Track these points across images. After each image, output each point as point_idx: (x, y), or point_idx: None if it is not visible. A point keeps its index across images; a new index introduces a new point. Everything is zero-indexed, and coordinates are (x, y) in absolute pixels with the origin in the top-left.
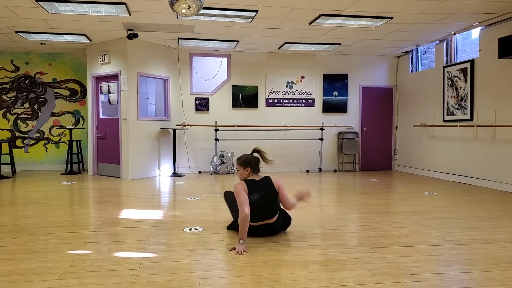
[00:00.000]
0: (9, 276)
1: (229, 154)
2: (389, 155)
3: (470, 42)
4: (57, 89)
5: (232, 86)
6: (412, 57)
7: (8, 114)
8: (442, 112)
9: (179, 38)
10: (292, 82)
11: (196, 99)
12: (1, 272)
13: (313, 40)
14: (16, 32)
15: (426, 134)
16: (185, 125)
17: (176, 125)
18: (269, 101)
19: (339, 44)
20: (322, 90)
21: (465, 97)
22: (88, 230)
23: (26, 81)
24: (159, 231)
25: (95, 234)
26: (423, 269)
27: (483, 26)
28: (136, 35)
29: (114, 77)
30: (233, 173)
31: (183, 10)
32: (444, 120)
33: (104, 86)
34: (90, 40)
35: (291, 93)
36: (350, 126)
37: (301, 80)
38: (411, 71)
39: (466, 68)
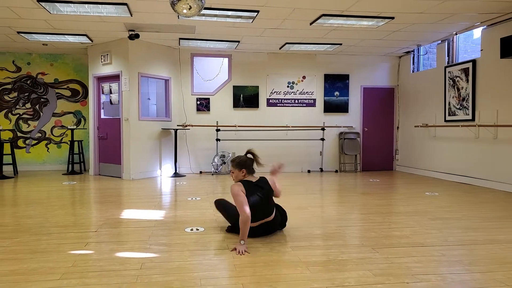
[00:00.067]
0: (11, 276)
1: (230, 154)
2: (390, 155)
3: (472, 42)
4: (59, 90)
5: (233, 86)
6: (413, 57)
7: (10, 115)
8: (443, 112)
9: (180, 39)
10: (293, 82)
11: (197, 99)
12: (3, 272)
13: (314, 40)
14: (18, 32)
15: (427, 134)
16: (186, 126)
17: (178, 125)
18: (270, 101)
19: (340, 44)
20: (323, 90)
21: (467, 97)
22: (90, 230)
23: (28, 82)
24: (161, 231)
25: (96, 234)
26: (425, 270)
27: (485, 26)
28: (137, 36)
29: (115, 78)
30: None
31: (184, 11)
32: (445, 120)
33: (106, 86)
34: (92, 41)
35: (292, 93)
36: (352, 126)
37: (302, 80)
38: (413, 71)
39: (468, 68)
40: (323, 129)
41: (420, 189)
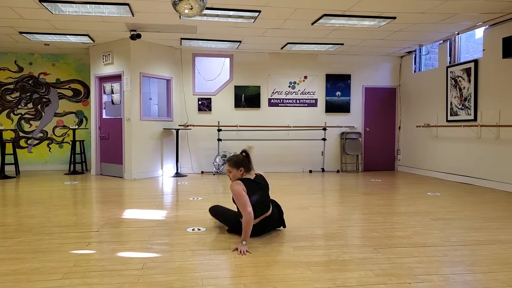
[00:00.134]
0: (13, 276)
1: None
2: (392, 155)
3: (474, 42)
4: (61, 90)
5: (235, 86)
6: (415, 57)
7: (12, 114)
8: (445, 112)
9: (181, 39)
10: (294, 82)
11: (198, 99)
12: (5, 271)
13: (316, 40)
14: (20, 33)
15: (429, 135)
16: (187, 125)
17: (179, 125)
18: (272, 101)
19: (342, 44)
20: (325, 90)
21: (469, 97)
22: (92, 230)
23: (30, 82)
24: (162, 231)
25: (98, 234)
26: (427, 270)
27: (487, 26)
28: (139, 36)
29: (117, 78)
30: None
31: (186, 11)
32: (447, 120)
33: (107, 86)
34: (93, 41)
35: (294, 93)
36: (353, 126)
37: (303, 80)
38: (414, 71)
39: (470, 68)
40: (324, 129)
41: (422, 189)
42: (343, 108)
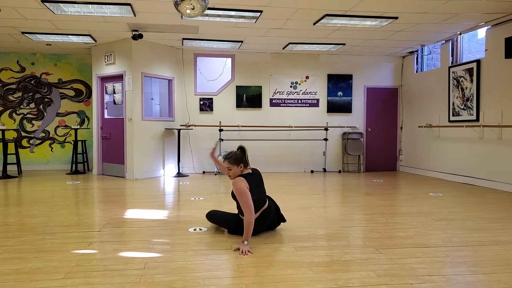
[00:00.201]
0: (15, 275)
1: None
2: (394, 155)
3: (476, 42)
4: (63, 90)
5: (236, 86)
6: (417, 57)
7: (14, 114)
8: (447, 113)
9: (183, 39)
10: (296, 82)
11: (200, 99)
12: (7, 271)
13: (318, 40)
14: (23, 33)
15: (431, 135)
16: (189, 125)
17: (181, 125)
18: (273, 101)
19: (344, 44)
20: (327, 90)
21: (471, 97)
22: (93, 229)
23: (32, 82)
24: (164, 231)
25: (100, 233)
26: (429, 271)
27: (489, 26)
28: (140, 36)
29: (119, 78)
30: None
31: (188, 11)
32: (449, 121)
33: (109, 86)
34: (95, 41)
35: (296, 93)
36: (355, 127)
37: (305, 80)
38: (416, 71)
39: (472, 68)
40: (326, 129)
41: (424, 190)
42: (345, 108)
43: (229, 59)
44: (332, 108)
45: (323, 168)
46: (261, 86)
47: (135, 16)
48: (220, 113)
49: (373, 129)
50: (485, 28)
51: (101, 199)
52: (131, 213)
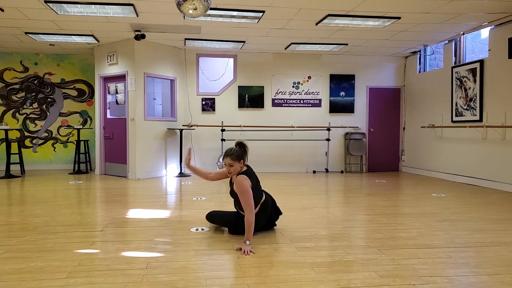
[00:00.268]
0: (18, 274)
1: None
2: (396, 156)
3: (480, 42)
4: (65, 90)
5: (239, 86)
6: (420, 57)
7: (17, 114)
8: (450, 113)
9: (186, 39)
10: (298, 83)
11: (202, 100)
12: (10, 270)
13: (320, 40)
14: (26, 33)
15: (434, 135)
16: (191, 125)
17: (183, 125)
18: (276, 101)
19: (346, 44)
20: (329, 91)
21: (474, 97)
22: (96, 229)
23: (35, 82)
24: (166, 231)
25: (102, 233)
26: (431, 272)
27: (493, 26)
28: (143, 36)
29: (121, 78)
30: None
31: (190, 11)
32: (452, 121)
33: (112, 86)
34: (98, 41)
35: (298, 93)
36: (357, 127)
37: (307, 81)
38: (419, 72)
39: (475, 68)
40: (328, 129)
41: (427, 190)
42: (347, 108)
43: (231, 59)
44: (335, 108)
45: (325, 169)
46: (263, 86)
47: (137, 16)
48: (222, 113)
49: (375, 130)
50: (488, 28)
51: (104, 199)
52: (133, 213)
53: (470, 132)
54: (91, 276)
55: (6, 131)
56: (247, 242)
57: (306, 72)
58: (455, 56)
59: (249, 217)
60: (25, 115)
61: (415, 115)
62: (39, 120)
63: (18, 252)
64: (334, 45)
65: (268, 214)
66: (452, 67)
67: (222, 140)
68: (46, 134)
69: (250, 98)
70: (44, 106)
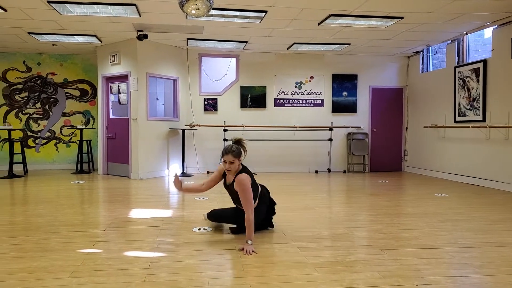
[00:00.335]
0: (21, 274)
1: None
2: (399, 156)
3: (483, 42)
4: (68, 90)
5: (241, 86)
6: (422, 57)
7: (20, 114)
8: (453, 113)
9: (188, 39)
10: (301, 83)
11: (205, 100)
12: (13, 269)
13: (322, 40)
14: (29, 33)
15: (437, 135)
16: (194, 125)
17: (185, 125)
18: (278, 101)
19: (349, 44)
20: (331, 91)
21: (477, 97)
22: (98, 229)
23: (38, 82)
24: (168, 230)
25: (105, 233)
26: (434, 272)
27: (496, 26)
28: (146, 36)
29: (124, 78)
30: None
31: (193, 11)
32: (455, 121)
33: (114, 86)
34: (101, 41)
35: (300, 93)
36: (360, 127)
37: (310, 81)
38: (422, 71)
39: (479, 68)
40: (331, 129)
41: (430, 190)
42: (350, 108)
43: (234, 59)
44: (337, 108)
45: (327, 169)
46: (265, 86)
47: (140, 16)
48: (225, 113)
49: (378, 129)
50: (491, 28)
51: (106, 198)
52: (136, 213)
53: (473, 132)
54: (94, 276)
55: (9, 131)
56: (249, 242)
57: (308, 72)
58: (458, 56)
59: (249, 217)
60: (28, 115)
61: (418, 115)
62: (42, 120)
63: (21, 251)
64: (337, 45)
65: (267, 205)
66: (455, 67)
67: (225, 140)
68: (49, 134)
69: (253, 98)
70: (47, 106)
